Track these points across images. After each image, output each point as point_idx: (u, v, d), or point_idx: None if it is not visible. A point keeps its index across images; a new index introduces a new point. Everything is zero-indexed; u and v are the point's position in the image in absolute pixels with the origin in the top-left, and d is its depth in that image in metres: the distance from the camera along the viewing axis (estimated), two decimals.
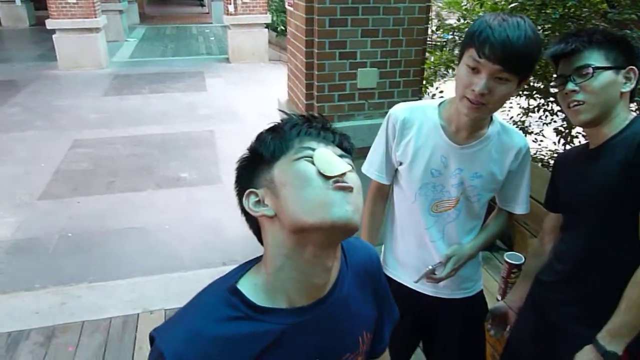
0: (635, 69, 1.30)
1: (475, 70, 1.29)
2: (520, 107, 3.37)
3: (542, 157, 3.52)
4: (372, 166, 1.63)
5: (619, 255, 1.28)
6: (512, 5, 2.99)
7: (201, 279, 0.86)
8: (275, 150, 0.81)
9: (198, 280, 3.23)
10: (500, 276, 2.25)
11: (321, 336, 0.84)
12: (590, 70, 1.27)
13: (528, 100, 3.27)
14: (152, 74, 9.19)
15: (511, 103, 3.43)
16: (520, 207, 1.60)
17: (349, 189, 0.77)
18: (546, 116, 3.24)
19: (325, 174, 0.76)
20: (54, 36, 9.05)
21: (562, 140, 3.16)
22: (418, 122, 1.50)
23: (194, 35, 14.18)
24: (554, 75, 1.41)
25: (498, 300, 2.13)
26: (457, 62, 1.39)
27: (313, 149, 0.80)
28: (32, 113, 6.74)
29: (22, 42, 12.64)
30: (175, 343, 0.74)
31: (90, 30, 9.15)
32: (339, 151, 0.83)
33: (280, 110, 0.95)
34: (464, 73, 1.32)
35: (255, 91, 7.88)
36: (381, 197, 1.70)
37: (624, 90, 1.30)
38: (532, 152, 3.56)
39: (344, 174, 0.78)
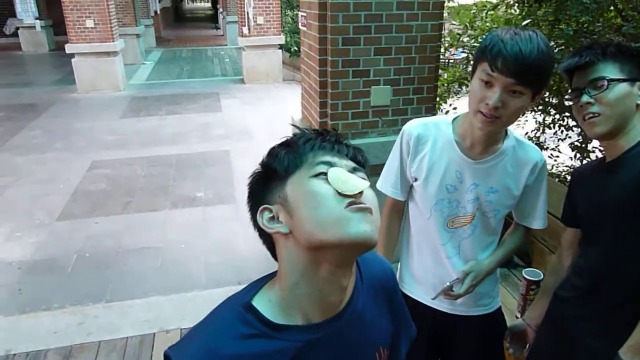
0: None
1: (488, 84, 1.29)
2: (536, 122, 3.35)
3: (559, 173, 3.48)
4: (387, 182, 1.62)
5: (637, 269, 1.25)
6: (526, 22, 3.00)
7: (217, 298, 0.85)
8: (289, 165, 0.80)
9: (214, 299, 3.19)
10: (519, 293, 2.21)
11: (336, 352, 0.82)
12: (605, 82, 1.27)
13: (543, 116, 3.25)
14: (168, 95, 9.35)
15: (526, 118, 3.42)
16: (537, 222, 1.58)
17: (368, 211, 0.75)
18: (562, 131, 3.22)
19: (342, 192, 0.75)
20: (72, 60, 9.28)
21: (578, 155, 3.13)
22: (432, 138, 1.50)
23: (209, 58, 14.44)
24: (569, 90, 1.40)
25: (517, 317, 2.09)
26: (470, 78, 1.39)
27: (328, 163, 0.79)
28: (52, 136, 6.89)
29: (42, 66, 12.98)
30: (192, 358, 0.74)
31: (108, 54, 9.37)
32: (353, 164, 0.82)
33: (293, 125, 0.93)
34: (477, 87, 1.32)
35: (270, 111, 7.96)
36: (397, 213, 1.69)
37: (639, 102, 1.29)
38: (548, 167, 3.53)
39: (360, 192, 0.76)
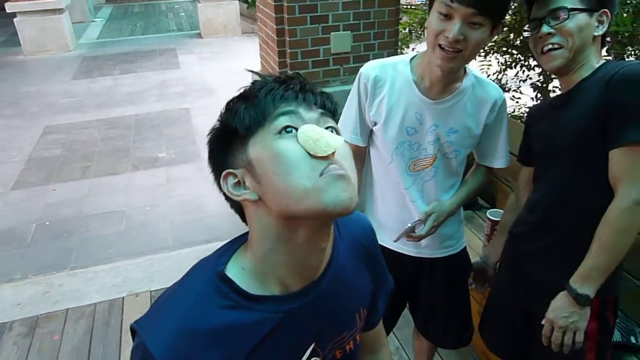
0: (608, 12, 1.28)
1: (447, 16, 1.23)
2: (498, 64, 3.32)
3: (521, 115, 3.50)
4: (346, 129, 1.57)
5: (589, 200, 1.28)
6: None
7: (185, 259, 0.80)
8: (250, 122, 0.70)
9: (182, 260, 3.19)
10: (483, 234, 2.25)
11: (318, 318, 0.79)
12: (566, 12, 1.24)
13: (505, 57, 3.23)
14: (121, 53, 8.91)
15: (490, 61, 3.39)
16: (499, 161, 1.58)
17: (345, 176, 0.67)
18: (523, 71, 3.21)
19: (314, 154, 0.66)
20: (15, 20, 8.66)
21: (539, 95, 3.14)
22: (390, 79, 1.44)
23: (164, 12, 13.75)
24: (528, 20, 1.37)
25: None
26: (427, 14, 1.33)
27: (291, 112, 0.70)
28: (0, 101, 6.51)
29: None
30: (164, 341, 0.67)
31: (53, 11, 8.78)
32: (322, 114, 0.74)
33: (251, 72, 0.81)
34: (435, 21, 1.26)
35: (230, 65, 7.69)
36: (358, 160, 1.63)
37: (596, 33, 1.28)
38: (510, 110, 3.54)
39: (333, 152, 0.68)
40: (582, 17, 1.24)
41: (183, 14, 13.22)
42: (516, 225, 1.54)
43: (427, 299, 1.75)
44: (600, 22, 1.28)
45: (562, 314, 1.26)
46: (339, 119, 0.79)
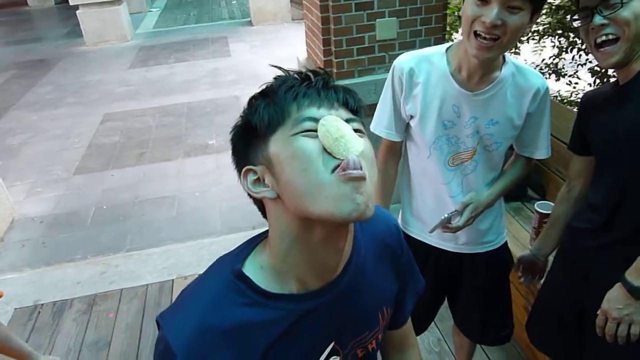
0: None
1: (484, 1, 1.18)
2: (553, 47, 3.16)
3: (578, 100, 3.33)
4: (381, 123, 1.53)
5: None
6: None
7: (232, 244, 0.81)
8: (269, 121, 0.70)
9: (228, 245, 3.21)
10: (531, 226, 2.17)
11: (337, 318, 0.78)
12: (619, 0, 1.14)
13: (560, 40, 3.07)
14: (176, 42, 9.17)
15: (544, 43, 3.23)
16: (540, 152, 1.51)
17: (361, 179, 0.65)
18: (580, 56, 3.04)
19: (330, 151, 0.65)
20: (77, 12, 9.09)
21: (598, 81, 2.97)
22: (425, 71, 1.40)
23: (216, 1, 13.99)
24: (577, 9, 1.28)
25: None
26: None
27: (314, 119, 0.68)
28: (63, 90, 6.87)
29: (49, 21, 12.78)
30: (182, 336, 0.69)
31: (111, 3, 9.14)
32: (345, 113, 0.72)
33: (274, 67, 0.79)
34: (471, 6, 1.20)
35: (280, 53, 7.76)
36: (393, 155, 1.61)
37: None
38: (566, 95, 3.37)
39: None
40: (637, 4, 1.15)
41: (235, 2, 13.39)
42: (576, 219, 1.47)
43: (466, 296, 1.72)
44: None
45: (617, 306, 1.22)
46: (364, 116, 0.77)
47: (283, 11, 10.17)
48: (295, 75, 0.75)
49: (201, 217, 3.70)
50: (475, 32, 1.21)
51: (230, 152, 0.78)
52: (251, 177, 0.73)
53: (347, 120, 0.71)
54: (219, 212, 3.74)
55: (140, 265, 3.17)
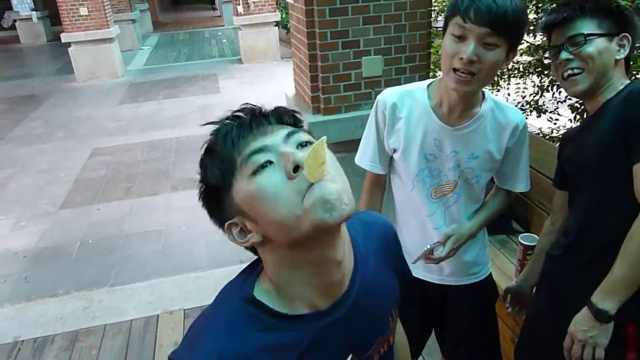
0: (629, 36, 1.28)
1: (461, 38, 1.23)
2: (533, 86, 3.27)
3: (559, 137, 3.42)
4: (365, 157, 1.56)
5: (619, 219, 1.24)
6: None
7: (218, 278, 0.82)
8: (222, 174, 0.71)
9: (216, 279, 3.25)
10: (516, 259, 2.19)
11: (352, 330, 0.79)
12: (583, 37, 1.25)
13: (540, 78, 3.18)
14: (166, 79, 9.31)
15: (525, 82, 3.34)
16: (520, 185, 1.55)
17: (324, 181, 0.66)
18: (560, 92, 3.14)
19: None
20: (69, 49, 9.23)
21: (578, 117, 3.07)
22: (408, 106, 1.44)
23: (207, 39, 14.30)
24: (549, 48, 1.37)
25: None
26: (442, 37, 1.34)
27: (261, 150, 0.69)
28: (52, 125, 6.90)
29: (41, 57, 12.93)
30: None
31: (104, 41, 9.30)
32: (283, 130, 0.72)
33: (208, 124, 0.78)
34: (450, 43, 1.26)
35: (269, 89, 7.89)
36: (378, 187, 1.63)
37: (618, 57, 1.28)
38: (548, 131, 3.47)
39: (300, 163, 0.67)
40: (600, 42, 1.25)
41: (225, 40, 13.69)
42: (552, 248, 1.52)
43: (454, 327, 1.72)
44: (621, 46, 1.28)
45: (582, 328, 1.24)
46: (301, 122, 0.79)
47: (272, 49, 10.41)
48: (227, 121, 0.75)
49: (188, 250, 3.68)
50: (454, 68, 1.26)
51: None
52: (235, 230, 0.74)
53: (290, 134, 0.72)
54: (206, 246, 3.71)
55: (125, 300, 3.12)
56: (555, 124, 3.41)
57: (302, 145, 0.71)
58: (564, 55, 1.28)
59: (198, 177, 0.76)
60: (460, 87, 1.28)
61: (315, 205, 0.65)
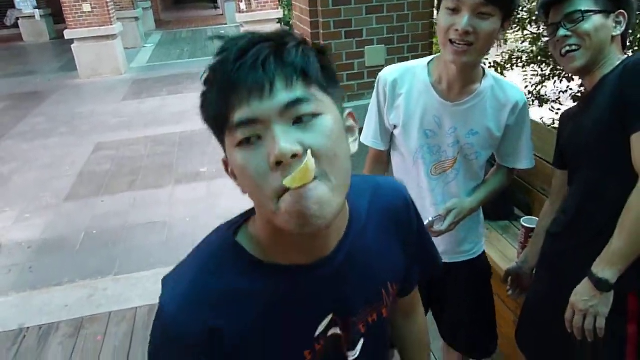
0: (625, 13, 1.31)
1: (455, 11, 1.25)
2: (536, 74, 3.29)
3: None
4: (368, 133, 1.58)
5: (618, 194, 1.26)
6: None
7: None
8: (212, 124, 0.65)
9: None
10: (518, 242, 2.21)
11: (333, 293, 0.77)
12: (580, 14, 1.28)
13: (541, 67, 3.19)
14: (169, 76, 9.33)
15: (526, 73, 3.36)
16: (522, 162, 1.55)
17: (308, 184, 0.59)
18: (561, 81, 3.16)
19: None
20: (72, 46, 9.26)
21: None
22: (408, 83, 1.46)
23: (210, 38, 14.30)
24: (547, 27, 1.40)
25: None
26: (437, 13, 1.36)
27: (243, 122, 0.60)
28: (56, 121, 6.93)
29: (43, 55, 12.97)
30: (175, 300, 0.70)
31: (107, 37, 9.34)
32: (288, 94, 0.60)
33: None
34: (444, 17, 1.28)
35: None
36: (380, 164, 1.65)
37: (614, 34, 1.31)
38: (549, 121, 3.48)
39: (295, 155, 0.58)
40: (597, 19, 1.28)
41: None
42: (552, 226, 1.53)
43: (452, 311, 1.73)
44: (618, 23, 1.31)
45: (582, 298, 1.26)
46: (332, 76, 0.68)
47: None
48: (241, 46, 0.61)
49: (192, 242, 3.64)
50: (450, 40, 1.27)
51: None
52: (229, 168, 0.70)
53: (290, 104, 0.60)
54: None
55: (129, 288, 3.14)
56: (557, 113, 3.42)
57: (302, 120, 0.61)
58: (562, 32, 1.30)
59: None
60: (458, 58, 1.29)
61: (289, 213, 0.60)
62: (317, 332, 0.77)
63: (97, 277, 3.29)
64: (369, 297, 0.83)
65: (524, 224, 2.10)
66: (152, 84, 8.84)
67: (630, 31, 1.38)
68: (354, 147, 0.72)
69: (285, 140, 0.58)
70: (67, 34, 9.14)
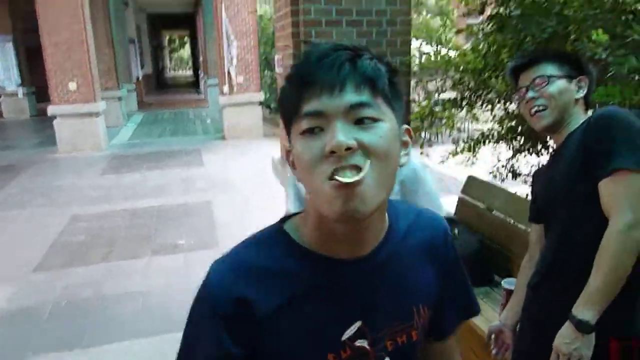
0: (585, 78, 1.48)
1: None
2: (508, 149, 3.47)
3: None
4: None
5: (591, 237, 1.33)
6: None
7: None
8: (284, 113, 0.73)
9: None
10: (499, 305, 2.22)
11: (364, 299, 0.79)
12: (546, 78, 1.45)
13: (511, 144, 3.37)
14: (150, 153, 9.43)
15: (496, 149, 3.54)
16: None
17: (350, 187, 0.65)
18: (532, 153, 3.34)
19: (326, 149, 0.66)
20: (54, 121, 9.35)
21: None
22: None
23: (191, 119, 14.69)
24: (516, 90, 1.57)
25: None
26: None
27: (313, 113, 0.68)
28: (32, 193, 6.84)
29: (23, 131, 13.04)
30: (221, 265, 0.77)
31: (90, 114, 9.49)
32: (355, 96, 0.67)
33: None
34: None
35: (252, 163, 8.04)
36: None
37: (577, 96, 1.47)
38: (523, 195, 3.61)
39: (349, 149, 0.65)
40: (561, 83, 1.45)
41: (209, 120, 14.08)
42: (532, 279, 1.58)
43: None
44: (580, 87, 1.48)
45: (565, 341, 1.29)
46: (398, 95, 0.74)
47: (256, 128, 10.73)
48: (323, 50, 0.71)
49: (166, 313, 3.56)
50: None
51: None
52: (290, 159, 0.76)
53: (355, 105, 0.68)
54: (185, 309, 3.59)
55: None
56: (529, 186, 3.56)
57: (363, 122, 0.68)
58: (531, 94, 1.47)
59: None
60: None
61: (334, 197, 0.67)
62: (344, 337, 0.78)
63: (63, 350, 3.11)
64: (400, 313, 0.84)
65: (505, 286, 2.13)
66: (132, 160, 8.90)
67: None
68: (403, 159, 0.77)
69: (343, 134, 0.66)
70: (51, 110, 9.27)
